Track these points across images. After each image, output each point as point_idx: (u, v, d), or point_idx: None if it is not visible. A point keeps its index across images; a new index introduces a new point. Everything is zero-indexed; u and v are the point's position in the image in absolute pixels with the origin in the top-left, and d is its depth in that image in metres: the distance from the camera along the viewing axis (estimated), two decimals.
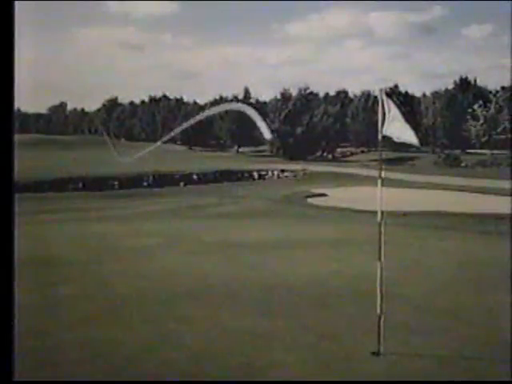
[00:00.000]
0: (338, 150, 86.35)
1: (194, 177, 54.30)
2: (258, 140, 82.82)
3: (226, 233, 15.82)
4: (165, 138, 67.02)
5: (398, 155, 62.96)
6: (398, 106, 6.09)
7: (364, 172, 47.69)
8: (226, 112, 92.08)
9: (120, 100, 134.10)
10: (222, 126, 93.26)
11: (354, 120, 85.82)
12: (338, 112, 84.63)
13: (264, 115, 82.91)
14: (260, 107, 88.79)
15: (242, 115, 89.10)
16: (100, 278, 9.69)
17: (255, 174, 56.52)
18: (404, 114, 6.06)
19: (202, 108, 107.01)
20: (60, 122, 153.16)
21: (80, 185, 47.60)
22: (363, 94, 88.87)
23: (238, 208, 26.16)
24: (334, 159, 78.57)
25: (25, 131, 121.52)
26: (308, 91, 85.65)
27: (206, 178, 53.35)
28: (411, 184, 39.16)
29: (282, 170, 57.31)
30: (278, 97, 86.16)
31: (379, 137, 6.12)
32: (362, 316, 7.07)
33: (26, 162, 43.93)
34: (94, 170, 53.53)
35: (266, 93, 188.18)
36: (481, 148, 70.25)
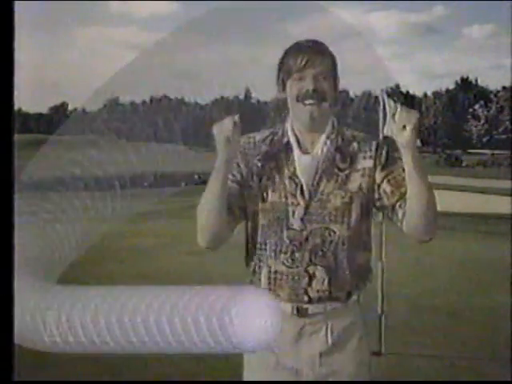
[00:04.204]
0: None
1: (195, 177, 54.31)
2: None
3: None
4: None
5: (399, 155, 62.85)
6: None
7: None
8: (226, 112, 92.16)
9: (120, 100, 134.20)
10: None
11: (354, 120, 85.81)
12: (338, 112, 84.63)
13: (265, 115, 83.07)
14: (261, 107, 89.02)
15: (241, 115, 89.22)
16: (100, 278, 9.68)
17: None
18: None
19: (203, 108, 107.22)
20: (61, 122, 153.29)
21: (80, 185, 47.72)
22: (364, 94, 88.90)
23: None
24: None
25: (26, 131, 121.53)
26: None
27: (206, 178, 53.01)
28: None
29: None
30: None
31: (380, 137, 6.12)
32: (363, 315, 7.05)
33: (27, 162, 43.92)
34: (94, 170, 53.53)
35: (266, 93, 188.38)
36: (482, 148, 70.29)
